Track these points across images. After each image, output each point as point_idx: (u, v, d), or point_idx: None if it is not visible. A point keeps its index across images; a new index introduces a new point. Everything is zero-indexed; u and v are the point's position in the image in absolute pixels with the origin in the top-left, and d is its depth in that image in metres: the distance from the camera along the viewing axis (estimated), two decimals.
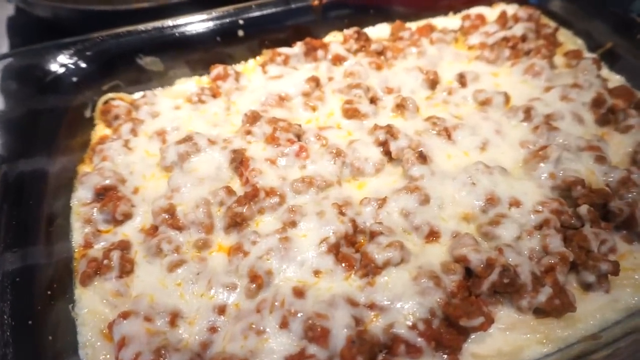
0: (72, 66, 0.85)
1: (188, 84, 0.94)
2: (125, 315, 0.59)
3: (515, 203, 0.71)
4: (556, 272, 0.63)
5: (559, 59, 1.00)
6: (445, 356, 0.58)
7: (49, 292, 0.61)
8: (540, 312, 0.61)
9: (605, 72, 0.97)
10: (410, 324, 0.59)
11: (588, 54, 1.00)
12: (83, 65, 0.86)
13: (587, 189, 0.72)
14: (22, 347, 0.53)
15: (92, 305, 0.63)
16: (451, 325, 0.59)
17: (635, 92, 0.91)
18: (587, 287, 0.64)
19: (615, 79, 0.96)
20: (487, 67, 0.98)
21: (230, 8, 0.93)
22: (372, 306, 0.61)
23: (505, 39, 1.01)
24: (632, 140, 0.83)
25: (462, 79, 0.94)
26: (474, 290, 0.62)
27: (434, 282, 0.62)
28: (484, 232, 0.69)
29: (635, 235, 0.69)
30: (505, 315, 0.62)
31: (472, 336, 0.59)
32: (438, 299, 0.60)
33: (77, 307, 0.62)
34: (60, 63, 0.85)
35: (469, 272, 0.64)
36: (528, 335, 0.60)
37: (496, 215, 0.70)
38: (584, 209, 0.69)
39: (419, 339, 0.58)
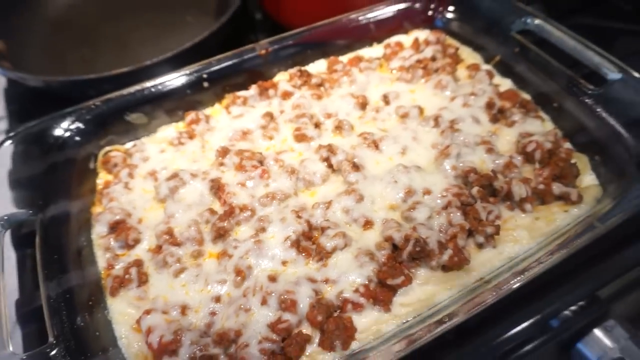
0: (74, 129, 1.05)
1: (168, 131, 1.13)
2: (147, 312, 0.80)
3: (427, 192, 0.94)
4: (457, 239, 0.87)
5: (462, 72, 1.23)
6: (380, 307, 0.81)
7: (89, 303, 0.82)
8: (446, 268, 0.83)
9: (497, 78, 1.20)
10: (354, 289, 0.80)
11: (484, 66, 1.24)
12: (82, 127, 1.06)
13: (479, 175, 0.96)
14: (80, 341, 0.74)
15: (121, 309, 0.82)
16: (383, 286, 0.81)
17: (519, 93, 1.15)
18: (479, 245, 0.86)
19: (505, 83, 1.19)
20: (405, 86, 1.19)
21: (194, 66, 1.14)
22: (326, 281, 0.83)
23: (419, 61, 1.23)
24: (516, 132, 1.06)
25: (386, 99, 1.16)
26: (398, 259, 0.84)
27: (370, 258, 0.84)
28: (405, 217, 0.91)
29: (514, 203, 0.92)
30: (422, 274, 0.83)
31: (399, 291, 0.81)
32: (373, 269, 0.82)
33: (110, 312, 0.82)
34: (65, 128, 1.04)
35: (395, 247, 0.86)
36: (438, 285, 0.81)
37: (413, 202, 0.92)
38: (474, 190, 0.93)
39: (361, 298, 0.79)
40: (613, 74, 1.02)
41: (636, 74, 1.00)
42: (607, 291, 1.01)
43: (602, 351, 1.00)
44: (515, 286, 0.76)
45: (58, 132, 1.04)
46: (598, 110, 1.02)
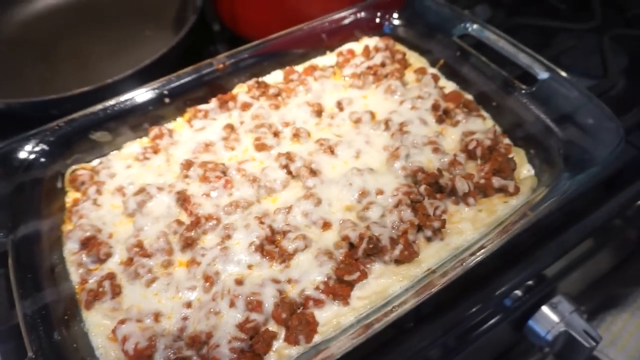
0: (39, 151, 1.07)
1: (134, 146, 1.16)
2: (122, 322, 0.84)
3: (380, 192, 1.01)
4: (408, 234, 0.94)
5: (410, 76, 1.31)
6: (339, 302, 0.87)
7: (65, 318, 0.86)
8: (398, 262, 0.90)
9: (443, 81, 1.29)
10: (315, 286, 0.87)
11: (430, 69, 1.32)
12: (47, 148, 1.09)
13: (426, 174, 1.04)
14: (58, 354, 0.79)
15: (97, 321, 0.87)
16: (341, 282, 0.87)
17: (462, 94, 1.24)
18: (428, 239, 0.94)
19: (450, 85, 1.27)
20: (358, 92, 1.26)
21: (155, 82, 1.18)
22: (289, 281, 0.89)
23: (369, 67, 1.30)
24: (460, 131, 1.15)
25: (340, 105, 1.23)
26: (354, 256, 0.91)
27: (328, 257, 0.91)
28: (360, 217, 0.99)
29: (459, 198, 1.00)
30: (377, 268, 0.90)
31: (356, 286, 0.88)
32: (331, 267, 0.89)
33: (86, 324, 0.86)
34: (29, 151, 1.06)
35: (351, 245, 0.93)
36: (392, 278, 0.88)
37: (367, 203, 0.99)
38: (422, 188, 1.01)
39: (322, 295, 0.86)
40: (542, 74, 1.12)
41: (562, 73, 1.10)
42: (553, 270, 1.12)
43: (550, 326, 1.10)
44: (458, 273, 0.84)
45: (23, 154, 1.07)
46: (531, 107, 1.12)
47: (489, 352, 1.21)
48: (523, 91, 1.14)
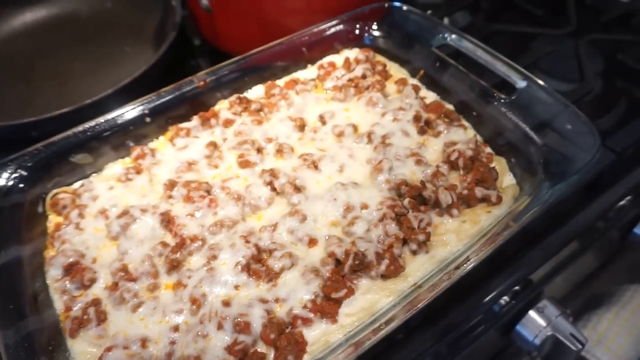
0: (18, 177, 1.06)
1: (115, 167, 1.15)
2: (109, 349, 0.83)
3: (365, 206, 1.01)
4: (393, 248, 0.95)
5: (392, 87, 1.32)
6: (327, 320, 0.87)
7: (49, 348, 0.85)
8: (384, 276, 0.90)
9: (423, 91, 1.30)
10: (302, 305, 0.87)
11: (411, 80, 1.33)
12: (25, 174, 1.07)
13: (409, 186, 1.04)
14: None
15: (82, 348, 0.85)
16: (329, 299, 0.87)
17: (443, 105, 1.24)
18: (413, 252, 0.94)
19: (431, 96, 1.28)
20: (340, 104, 1.27)
21: (136, 102, 1.16)
22: (277, 300, 0.88)
23: (350, 80, 1.31)
24: (442, 142, 1.15)
25: (322, 119, 1.23)
26: (341, 273, 0.91)
27: (315, 274, 0.90)
28: (345, 232, 0.99)
29: (443, 210, 1.01)
30: (364, 284, 0.90)
31: (344, 303, 0.88)
32: (318, 284, 0.89)
33: (72, 354, 0.85)
34: (7, 177, 1.05)
35: (338, 261, 0.94)
36: (379, 294, 0.88)
37: (352, 217, 0.99)
38: (406, 202, 1.01)
39: (310, 313, 0.85)
40: (520, 82, 1.14)
41: (539, 82, 1.12)
42: (539, 274, 1.13)
43: (538, 330, 1.11)
44: (445, 286, 0.84)
45: (0, 181, 1.05)
46: (510, 115, 1.13)
47: (478, 358, 1.22)
48: (502, 100, 1.15)
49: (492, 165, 1.09)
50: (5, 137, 1.30)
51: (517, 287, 1.09)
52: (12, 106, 1.47)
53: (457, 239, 0.97)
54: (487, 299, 1.05)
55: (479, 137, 1.17)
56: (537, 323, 1.11)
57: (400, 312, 0.82)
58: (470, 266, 0.85)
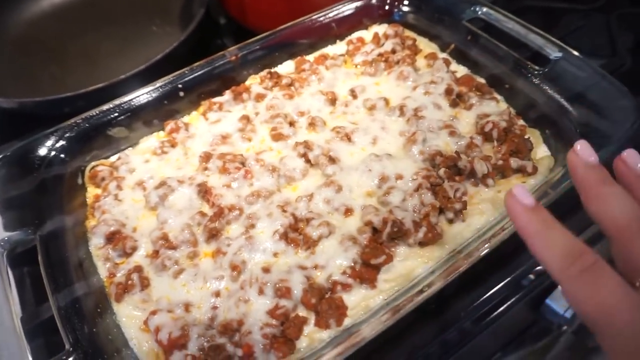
0: (59, 148, 1.08)
1: (150, 141, 1.17)
2: (154, 313, 0.86)
3: (399, 177, 1.02)
4: (430, 217, 0.96)
5: (422, 62, 1.31)
6: (366, 285, 0.89)
7: (98, 310, 0.87)
8: (422, 243, 0.92)
9: (454, 65, 1.29)
10: (341, 271, 0.88)
11: (441, 54, 1.33)
12: (66, 145, 1.09)
13: (444, 157, 1.05)
14: (94, 346, 0.80)
15: (128, 312, 0.88)
16: (367, 266, 0.89)
17: (474, 78, 1.24)
18: (450, 221, 0.95)
19: (461, 70, 1.28)
20: (370, 79, 1.27)
21: (169, 77, 1.18)
22: (316, 267, 0.90)
23: (380, 55, 1.31)
24: (474, 114, 1.15)
25: (353, 93, 1.24)
26: (379, 240, 0.92)
27: (353, 242, 0.91)
28: (381, 201, 1.00)
29: (478, 180, 1.01)
30: (401, 251, 0.91)
31: (382, 269, 0.89)
32: (356, 252, 0.90)
33: (118, 316, 0.88)
34: (49, 148, 1.08)
35: (375, 230, 0.94)
36: (417, 260, 0.90)
37: (388, 188, 1.00)
38: (442, 172, 1.02)
39: (349, 279, 0.87)
40: (555, 54, 1.13)
41: (575, 53, 1.11)
42: None
43: (567, 303, 1.11)
44: (483, 253, 0.85)
45: (43, 151, 1.08)
46: (544, 87, 1.13)
47: (505, 333, 1.23)
48: (536, 72, 1.14)
49: (526, 137, 1.09)
50: (40, 113, 1.32)
51: None
52: (46, 86, 1.49)
53: (494, 207, 0.97)
54: (519, 270, 1.04)
55: (511, 110, 1.16)
56: None
57: (439, 277, 0.83)
58: (510, 232, 0.85)
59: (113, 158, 1.16)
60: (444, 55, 1.32)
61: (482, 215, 0.96)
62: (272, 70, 1.30)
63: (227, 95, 1.23)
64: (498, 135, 1.08)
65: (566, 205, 1.11)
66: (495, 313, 1.03)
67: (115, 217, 1.03)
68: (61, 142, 1.09)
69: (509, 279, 1.02)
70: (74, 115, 1.13)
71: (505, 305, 1.04)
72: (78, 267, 0.95)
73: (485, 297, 1.00)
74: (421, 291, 0.79)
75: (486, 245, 0.85)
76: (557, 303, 1.11)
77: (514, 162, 1.02)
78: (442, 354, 0.95)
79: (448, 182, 1.00)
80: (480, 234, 0.93)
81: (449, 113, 1.16)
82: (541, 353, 1.31)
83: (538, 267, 1.06)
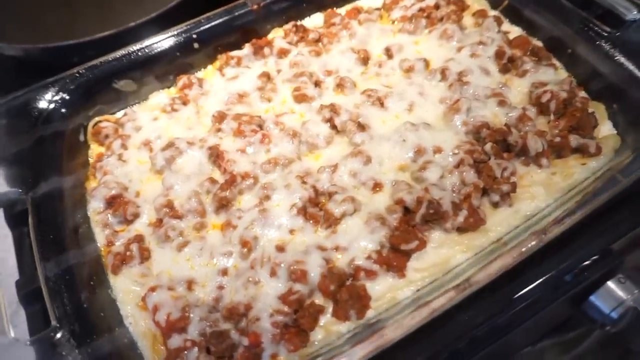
0: (59, 100, 0.98)
1: (160, 97, 1.07)
2: (153, 289, 0.77)
3: (438, 150, 0.90)
4: (472, 198, 0.83)
5: (469, 20, 1.16)
6: (394, 273, 0.78)
7: (91, 283, 0.79)
8: (461, 229, 0.80)
9: (507, 25, 1.14)
10: (366, 255, 0.77)
11: (492, 12, 1.16)
12: (68, 97, 0.99)
13: (491, 130, 0.91)
14: (84, 322, 0.71)
15: (125, 287, 0.79)
16: (396, 251, 0.78)
17: (530, 40, 1.08)
18: (495, 204, 0.83)
19: (515, 30, 1.12)
20: (408, 37, 1.13)
21: (183, 25, 1.06)
22: (337, 248, 0.79)
23: (422, 10, 1.16)
24: (528, 82, 1.01)
25: (388, 52, 1.10)
26: (411, 223, 0.80)
27: (381, 222, 0.80)
28: (415, 178, 0.87)
29: (530, 159, 0.88)
30: (436, 237, 0.80)
31: (414, 256, 0.78)
32: (384, 234, 0.79)
33: (114, 291, 0.79)
34: (49, 100, 0.98)
35: (407, 210, 0.83)
36: (454, 248, 0.78)
37: (424, 162, 0.88)
38: (488, 146, 0.88)
39: (374, 265, 0.76)
40: (631, 14, 0.96)
41: None
42: (621, 244, 0.99)
43: (616, 302, 0.99)
44: (535, 249, 0.73)
45: (42, 104, 0.98)
46: (615, 54, 0.96)
47: (542, 328, 1.11)
48: (606, 35, 0.98)
49: (590, 111, 0.93)
50: (47, 61, 1.23)
51: (596, 256, 0.96)
52: (54, 31, 1.38)
53: (546, 192, 0.84)
54: (562, 266, 0.91)
55: (572, 79, 1.00)
56: (616, 295, 0.98)
57: (480, 271, 0.71)
58: (569, 226, 0.73)
59: (119, 114, 1.06)
60: (495, 12, 1.16)
61: (532, 200, 0.84)
62: (298, 23, 1.17)
63: (247, 49, 1.11)
64: (556, 108, 0.93)
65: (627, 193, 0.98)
66: (534, 308, 0.91)
67: (118, 179, 0.93)
68: (62, 95, 0.99)
69: (552, 273, 0.89)
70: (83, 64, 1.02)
71: (543, 303, 0.92)
72: (73, 233, 0.86)
73: (524, 291, 0.88)
74: (460, 288, 0.67)
75: (537, 240, 0.72)
76: (603, 300, 0.99)
77: (573, 140, 0.88)
78: (471, 349, 0.84)
79: (495, 159, 0.87)
80: (530, 223, 0.80)
81: (498, 79, 1.02)
82: (570, 346, 1.21)
83: (585, 263, 0.94)
